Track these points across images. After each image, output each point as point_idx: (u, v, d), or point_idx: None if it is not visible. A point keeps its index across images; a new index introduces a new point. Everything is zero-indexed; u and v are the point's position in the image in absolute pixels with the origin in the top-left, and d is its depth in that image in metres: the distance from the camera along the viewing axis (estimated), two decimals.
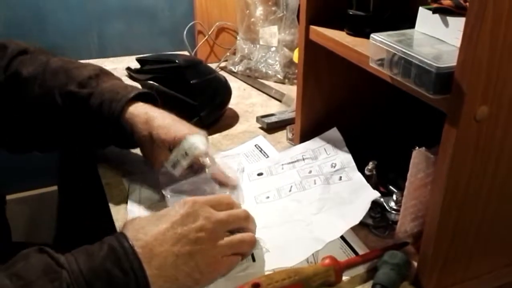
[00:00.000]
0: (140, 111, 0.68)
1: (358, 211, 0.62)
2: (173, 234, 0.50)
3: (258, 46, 1.19)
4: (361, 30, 0.64)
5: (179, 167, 0.67)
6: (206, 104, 0.91)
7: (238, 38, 1.22)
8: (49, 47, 1.21)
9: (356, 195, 0.67)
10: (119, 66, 1.22)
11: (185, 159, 0.66)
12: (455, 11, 0.49)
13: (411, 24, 0.58)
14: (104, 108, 0.68)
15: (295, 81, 1.16)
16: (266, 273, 0.57)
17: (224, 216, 0.55)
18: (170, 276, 0.49)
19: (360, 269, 0.60)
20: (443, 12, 0.50)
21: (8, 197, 0.76)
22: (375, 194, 0.65)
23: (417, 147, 0.57)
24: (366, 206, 0.62)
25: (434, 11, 0.51)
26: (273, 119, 0.93)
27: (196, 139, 0.67)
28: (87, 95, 0.69)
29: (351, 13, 0.65)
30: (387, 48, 0.51)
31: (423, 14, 0.53)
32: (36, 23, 1.19)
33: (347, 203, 0.66)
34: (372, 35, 0.54)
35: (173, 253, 0.50)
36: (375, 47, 0.53)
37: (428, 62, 0.46)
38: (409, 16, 0.62)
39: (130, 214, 0.67)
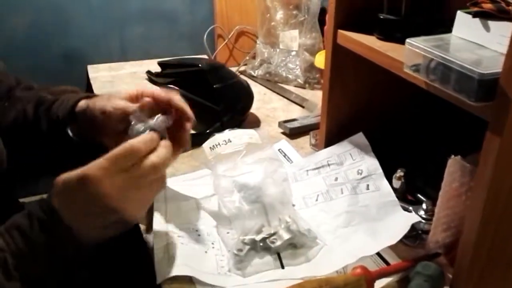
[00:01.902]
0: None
1: (393, 231, 0.61)
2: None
3: (278, 50, 1.19)
4: (392, 34, 0.63)
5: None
6: (229, 109, 0.90)
7: (257, 42, 1.21)
8: (71, 50, 1.23)
9: (385, 211, 0.65)
10: (139, 69, 1.22)
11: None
12: (497, 15, 0.48)
13: (445, 29, 0.56)
14: (62, 104, 0.67)
15: (316, 85, 1.15)
16: (295, 282, 0.56)
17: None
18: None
19: (391, 280, 0.58)
20: (484, 16, 0.49)
21: (23, 200, 0.76)
22: (414, 218, 0.63)
23: (452, 156, 0.55)
24: (405, 228, 0.61)
25: (475, 15, 0.49)
26: (295, 124, 0.92)
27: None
28: (53, 100, 0.69)
29: (382, 17, 0.64)
30: (424, 53, 0.50)
31: (462, 18, 0.52)
32: (59, 27, 1.19)
33: (376, 220, 0.65)
34: (408, 40, 0.52)
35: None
36: (411, 52, 0.52)
37: (471, 68, 0.44)
38: (442, 20, 0.60)
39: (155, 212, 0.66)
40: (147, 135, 0.54)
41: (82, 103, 0.66)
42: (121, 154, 0.51)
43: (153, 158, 0.53)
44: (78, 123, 0.66)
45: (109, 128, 0.63)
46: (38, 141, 0.68)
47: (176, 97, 0.61)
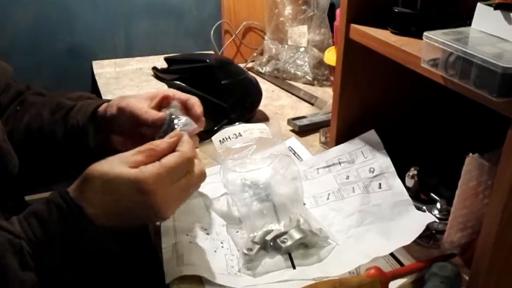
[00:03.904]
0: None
1: (407, 231, 0.59)
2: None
3: (286, 46, 1.17)
4: (408, 28, 0.61)
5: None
6: (237, 105, 0.88)
7: (265, 38, 1.20)
8: (76, 46, 1.22)
9: (398, 211, 0.64)
10: (145, 65, 1.21)
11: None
12: None
13: (462, 22, 0.55)
14: (81, 109, 0.66)
15: (325, 82, 1.13)
16: (307, 282, 0.55)
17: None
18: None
19: (406, 280, 0.57)
20: (506, 8, 0.47)
21: (30, 197, 0.74)
22: (429, 218, 0.62)
23: (470, 153, 0.54)
24: (420, 229, 0.59)
25: (496, 7, 0.48)
26: (304, 121, 0.91)
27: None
28: (72, 105, 0.68)
29: (396, 10, 0.62)
30: (443, 47, 0.48)
31: (482, 11, 0.50)
32: (64, 23, 1.18)
33: (389, 219, 0.63)
34: (425, 33, 0.51)
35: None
36: (429, 46, 0.50)
37: (493, 61, 0.42)
38: (458, 14, 0.58)
39: None
40: (191, 142, 0.54)
41: (102, 108, 0.65)
42: (178, 164, 0.51)
43: (200, 167, 0.54)
44: (96, 128, 0.65)
45: (121, 127, 0.63)
46: (53, 147, 0.67)
47: (193, 98, 0.62)
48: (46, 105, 0.69)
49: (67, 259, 0.49)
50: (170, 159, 0.50)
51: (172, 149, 0.53)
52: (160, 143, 0.53)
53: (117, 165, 0.50)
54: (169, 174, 0.50)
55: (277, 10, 1.15)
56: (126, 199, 0.49)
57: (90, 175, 0.50)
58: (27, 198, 0.74)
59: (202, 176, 0.54)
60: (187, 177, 0.52)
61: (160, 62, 1.15)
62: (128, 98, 0.63)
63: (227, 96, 0.88)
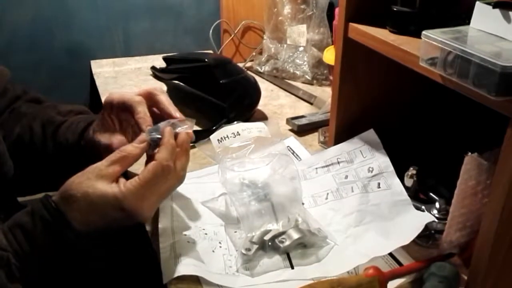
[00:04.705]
0: None
1: (406, 231, 0.59)
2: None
3: (285, 45, 1.17)
4: (406, 27, 0.61)
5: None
6: (235, 105, 0.88)
7: (264, 37, 1.20)
8: (74, 45, 1.22)
9: (397, 210, 0.64)
10: (143, 65, 1.21)
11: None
12: None
13: (461, 21, 0.55)
14: (71, 126, 0.67)
15: (324, 82, 1.13)
16: (305, 282, 0.55)
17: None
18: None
19: (404, 280, 0.57)
20: (505, 6, 0.47)
21: (22, 199, 0.74)
22: (428, 218, 0.61)
23: (469, 153, 0.54)
24: (418, 228, 0.59)
25: (495, 5, 0.47)
26: (303, 121, 0.90)
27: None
28: (61, 121, 0.68)
29: (395, 9, 0.62)
30: (442, 46, 0.48)
31: (481, 9, 0.50)
32: (62, 21, 1.18)
33: (388, 219, 0.63)
34: (424, 32, 0.50)
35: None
36: (427, 45, 0.50)
37: (492, 60, 0.42)
38: (457, 13, 0.58)
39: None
40: (169, 146, 0.54)
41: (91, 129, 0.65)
42: (156, 176, 0.52)
43: (179, 170, 0.55)
44: (86, 147, 0.65)
45: (108, 120, 0.63)
46: (45, 159, 0.67)
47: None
48: (37, 117, 0.69)
49: (53, 269, 0.49)
50: (146, 175, 0.52)
51: (143, 151, 0.55)
52: (132, 150, 0.54)
53: (97, 182, 0.51)
54: (149, 187, 0.52)
55: (276, 9, 1.15)
56: (110, 216, 0.51)
57: (73, 197, 0.50)
58: (20, 199, 0.74)
59: (180, 179, 0.56)
60: (167, 182, 0.54)
61: (159, 61, 1.14)
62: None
63: (225, 96, 0.88)
